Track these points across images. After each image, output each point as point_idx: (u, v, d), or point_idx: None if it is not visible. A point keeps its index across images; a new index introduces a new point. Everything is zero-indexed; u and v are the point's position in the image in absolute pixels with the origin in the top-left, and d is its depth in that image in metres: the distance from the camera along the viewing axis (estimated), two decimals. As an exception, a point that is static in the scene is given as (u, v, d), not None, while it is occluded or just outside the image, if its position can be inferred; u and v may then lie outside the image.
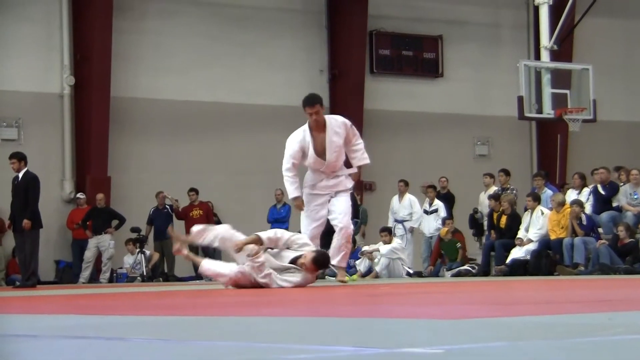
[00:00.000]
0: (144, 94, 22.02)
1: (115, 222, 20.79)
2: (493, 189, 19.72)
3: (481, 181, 20.31)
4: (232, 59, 22.68)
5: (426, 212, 19.80)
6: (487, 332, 3.89)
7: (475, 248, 19.78)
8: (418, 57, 24.58)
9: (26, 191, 15.78)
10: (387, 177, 22.19)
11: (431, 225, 19.70)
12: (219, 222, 22.00)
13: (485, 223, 19.24)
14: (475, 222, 19.82)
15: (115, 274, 21.01)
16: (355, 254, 17.94)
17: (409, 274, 18.06)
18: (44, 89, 21.32)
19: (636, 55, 26.34)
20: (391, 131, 23.67)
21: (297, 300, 7.65)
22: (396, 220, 19.78)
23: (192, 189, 21.32)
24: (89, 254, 20.40)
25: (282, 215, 20.87)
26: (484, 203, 19.73)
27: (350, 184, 11.50)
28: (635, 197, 17.46)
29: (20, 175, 15.82)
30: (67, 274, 21.12)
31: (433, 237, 19.64)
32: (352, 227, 11.64)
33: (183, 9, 22.50)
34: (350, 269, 17.82)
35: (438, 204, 19.79)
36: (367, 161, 11.48)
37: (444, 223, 19.24)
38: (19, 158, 15.93)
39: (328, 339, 3.83)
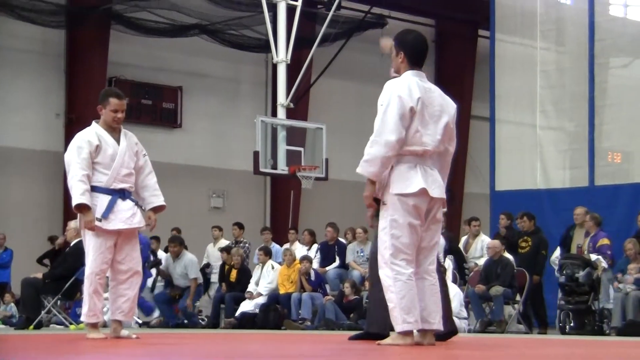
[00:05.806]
0: None
1: None
2: (222, 241, 19.96)
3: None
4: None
5: None
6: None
7: (204, 300, 19.83)
8: (157, 106, 24.55)
9: None
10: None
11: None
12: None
13: (214, 276, 19.43)
14: (204, 275, 19.94)
15: None
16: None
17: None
18: None
19: (366, 116, 26.95)
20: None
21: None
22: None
23: None
24: None
25: (5, 260, 20.24)
26: (212, 255, 19.96)
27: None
28: (361, 254, 18.06)
29: None
30: None
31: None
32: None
33: None
34: (77, 317, 17.44)
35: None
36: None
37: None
38: None
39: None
